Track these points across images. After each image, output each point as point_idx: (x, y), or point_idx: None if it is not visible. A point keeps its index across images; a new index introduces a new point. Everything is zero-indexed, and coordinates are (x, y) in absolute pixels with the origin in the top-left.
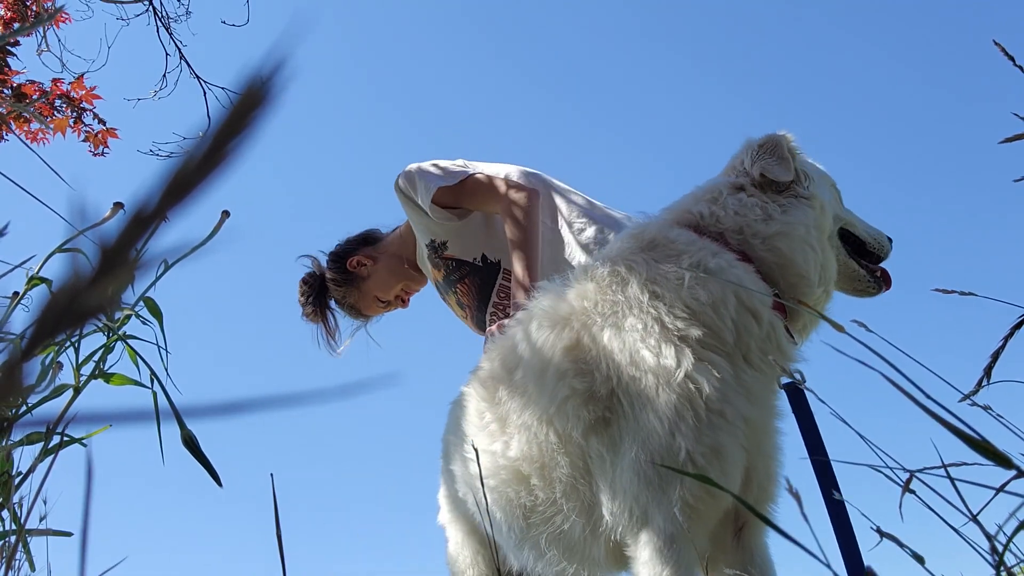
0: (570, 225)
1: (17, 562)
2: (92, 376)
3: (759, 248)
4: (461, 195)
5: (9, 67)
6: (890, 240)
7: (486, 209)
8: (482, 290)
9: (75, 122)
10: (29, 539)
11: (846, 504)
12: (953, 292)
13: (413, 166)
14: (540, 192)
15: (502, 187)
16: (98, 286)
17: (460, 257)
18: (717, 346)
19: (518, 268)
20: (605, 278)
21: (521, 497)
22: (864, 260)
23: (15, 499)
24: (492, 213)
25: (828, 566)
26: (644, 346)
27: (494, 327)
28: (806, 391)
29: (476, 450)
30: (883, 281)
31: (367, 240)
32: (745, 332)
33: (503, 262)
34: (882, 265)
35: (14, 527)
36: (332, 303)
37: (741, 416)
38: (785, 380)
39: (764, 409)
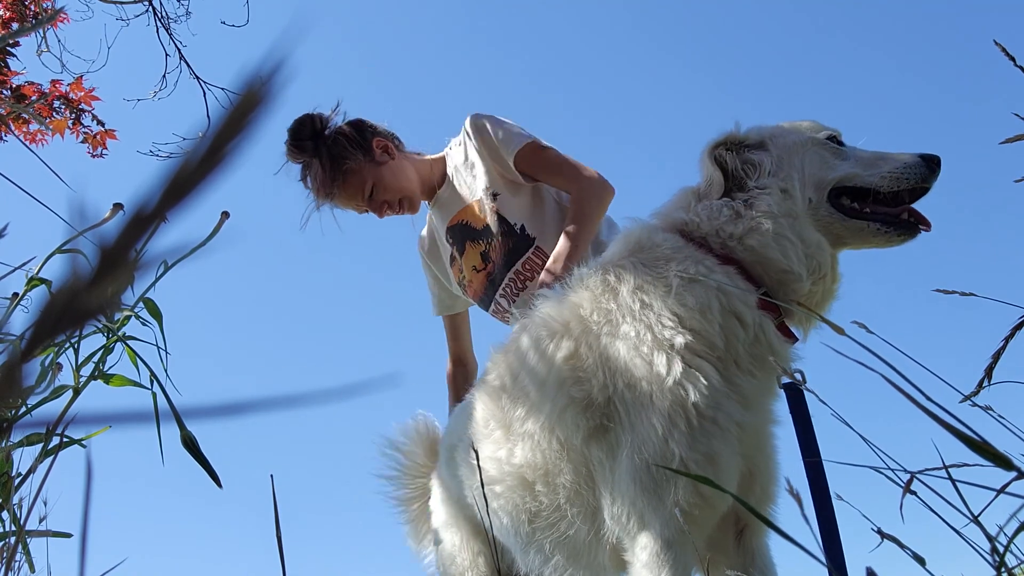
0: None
1: (17, 563)
2: (92, 377)
3: (738, 249)
4: (544, 161)
5: (8, 68)
6: (926, 160)
7: (557, 182)
8: (511, 255)
9: (74, 123)
10: (29, 540)
11: (837, 504)
12: (953, 292)
13: (493, 116)
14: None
15: (587, 170)
16: (98, 287)
17: (505, 216)
18: (707, 352)
19: (568, 244)
20: (598, 286)
21: (527, 502)
22: (889, 203)
23: (15, 500)
24: (560, 188)
25: (829, 567)
26: (637, 354)
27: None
28: (806, 392)
29: (477, 455)
30: (910, 226)
31: (394, 138)
32: (733, 336)
33: (537, 240)
34: (922, 192)
35: (14, 528)
36: (319, 160)
37: (735, 422)
38: (785, 380)
39: (760, 413)
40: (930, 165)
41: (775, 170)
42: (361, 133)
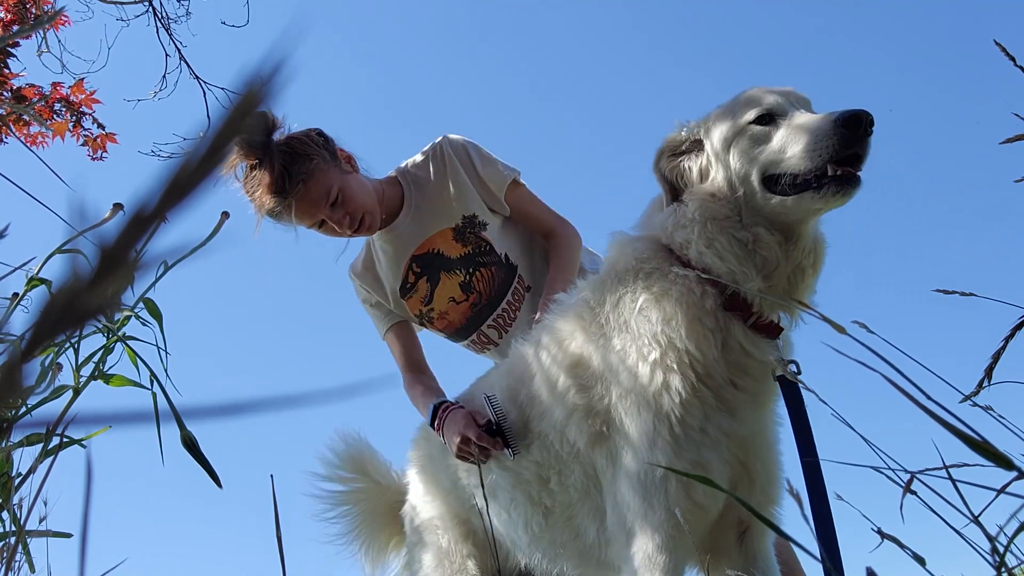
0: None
1: (17, 563)
2: (92, 377)
3: (688, 257)
4: (531, 200)
5: (9, 69)
6: (840, 124)
7: (539, 223)
8: (502, 285)
9: (74, 126)
10: (29, 540)
11: (837, 504)
12: (954, 293)
13: (472, 141)
14: None
15: (561, 216)
16: (98, 287)
17: (495, 245)
18: (679, 363)
19: (564, 280)
20: (590, 299)
21: (542, 497)
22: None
23: (15, 500)
24: (537, 228)
25: (829, 567)
26: (624, 367)
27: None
28: (805, 389)
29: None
30: (842, 178)
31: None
32: (704, 344)
33: (519, 268)
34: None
35: (14, 528)
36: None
37: (723, 431)
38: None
39: (751, 421)
40: (847, 127)
41: (704, 173)
42: (325, 137)
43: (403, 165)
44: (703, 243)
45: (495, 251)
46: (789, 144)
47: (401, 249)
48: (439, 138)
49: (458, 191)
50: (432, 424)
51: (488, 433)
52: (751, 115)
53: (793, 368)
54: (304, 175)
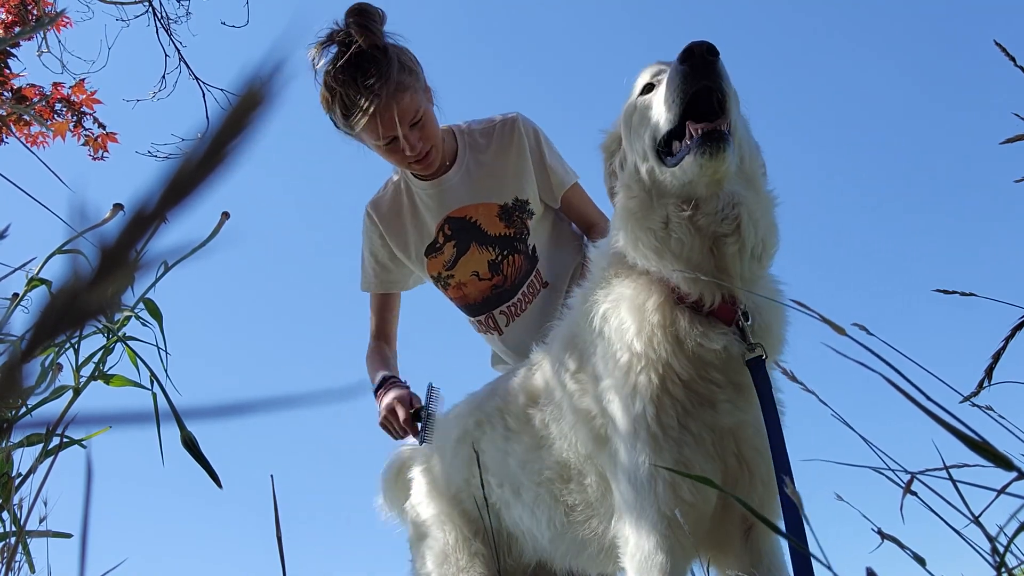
0: None
1: (17, 563)
2: (92, 377)
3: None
4: (588, 202)
5: (9, 69)
6: (680, 61)
7: (584, 212)
8: (523, 276)
9: (75, 126)
10: (29, 540)
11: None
12: (954, 293)
13: (542, 129)
14: None
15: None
16: (98, 287)
17: (530, 234)
18: (643, 366)
19: None
20: (580, 306)
21: (564, 496)
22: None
23: (15, 500)
24: (586, 226)
25: (828, 567)
26: (604, 373)
27: None
28: (804, 390)
29: (478, 456)
30: (705, 137)
31: None
32: (655, 343)
33: (539, 263)
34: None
35: (14, 528)
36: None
37: (706, 425)
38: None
39: (734, 409)
40: (685, 62)
41: (622, 168)
42: (416, 64)
43: (462, 124)
44: (631, 246)
45: (528, 240)
46: (660, 103)
47: (441, 205)
48: (512, 113)
49: (518, 172)
50: (376, 392)
51: (414, 417)
52: (636, 89)
53: (759, 351)
54: (405, 87)
